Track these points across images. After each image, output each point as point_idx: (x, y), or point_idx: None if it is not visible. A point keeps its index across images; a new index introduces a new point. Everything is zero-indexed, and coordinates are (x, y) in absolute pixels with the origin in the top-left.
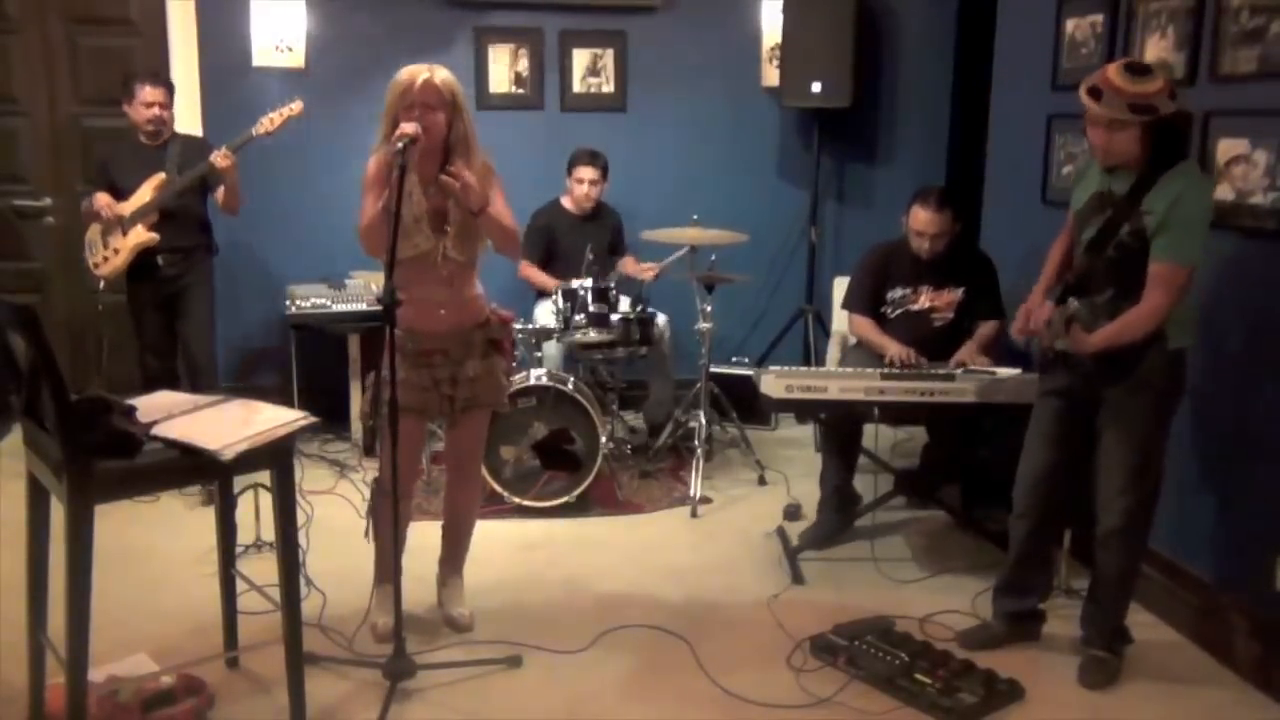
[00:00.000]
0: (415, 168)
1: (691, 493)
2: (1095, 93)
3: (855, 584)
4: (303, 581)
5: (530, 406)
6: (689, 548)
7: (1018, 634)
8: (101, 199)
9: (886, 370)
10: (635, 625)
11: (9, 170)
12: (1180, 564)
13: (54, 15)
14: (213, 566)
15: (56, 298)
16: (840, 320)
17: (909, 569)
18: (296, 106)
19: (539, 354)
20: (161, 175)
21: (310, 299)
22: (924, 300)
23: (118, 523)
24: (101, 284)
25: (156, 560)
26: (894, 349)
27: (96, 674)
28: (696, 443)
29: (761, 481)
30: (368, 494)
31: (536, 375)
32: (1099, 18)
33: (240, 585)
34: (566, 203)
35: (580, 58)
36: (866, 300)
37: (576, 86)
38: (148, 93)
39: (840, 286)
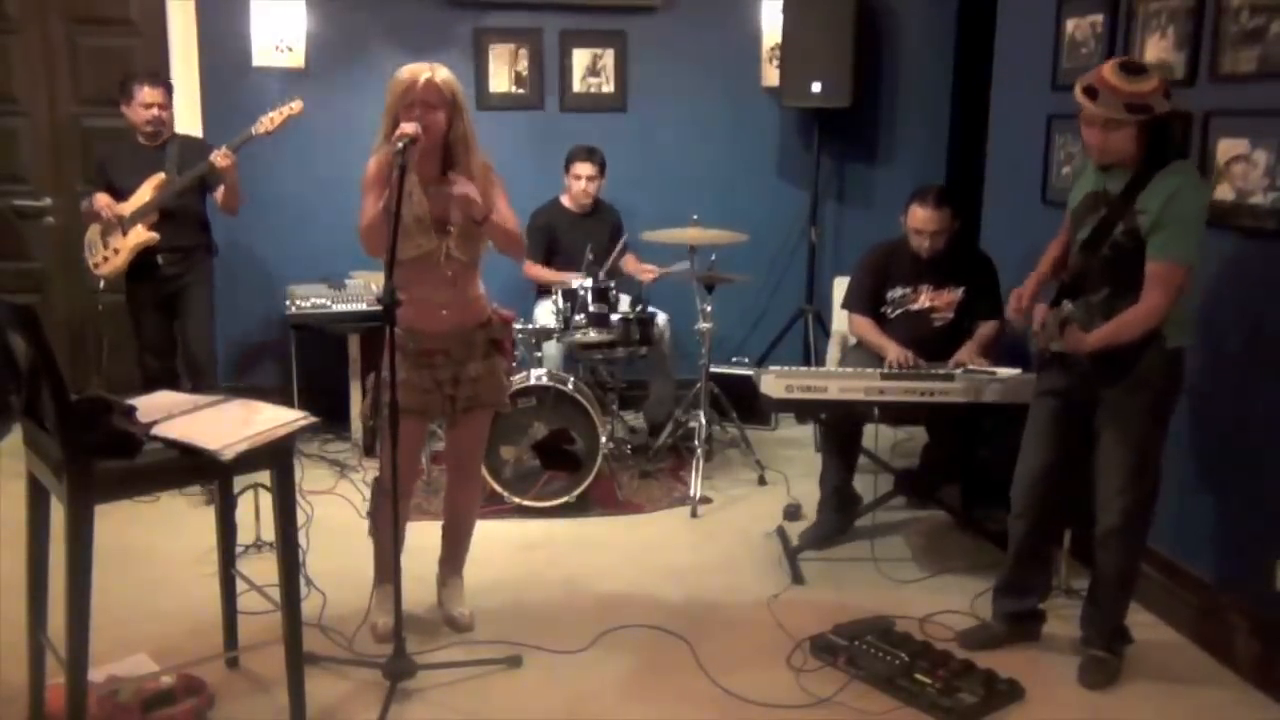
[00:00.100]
0: (415, 167)
1: (691, 493)
2: (1091, 92)
3: (855, 584)
4: (303, 581)
5: (530, 406)
6: (689, 548)
7: (1018, 634)
8: (101, 199)
9: (886, 370)
10: (635, 625)
11: (9, 170)
12: (1180, 564)
13: (54, 15)
14: (213, 566)
15: (56, 298)
16: (840, 320)
17: (909, 569)
18: (296, 105)
19: (539, 354)
20: (161, 175)
21: (310, 299)
22: (924, 300)
23: (118, 523)
24: (101, 284)
25: (156, 560)
26: (893, 351)
27: (96, 674)
28: (696, 443)
29: (761, 481)
30: (368, 494)
31: (536, 375)
32: (1099, 18)
33: (240, 585)
34: (565, 201)
35: (580, 58)
36: (866, 300)
37: (576, 86)
38: (146, 93)
39: (840, 286)
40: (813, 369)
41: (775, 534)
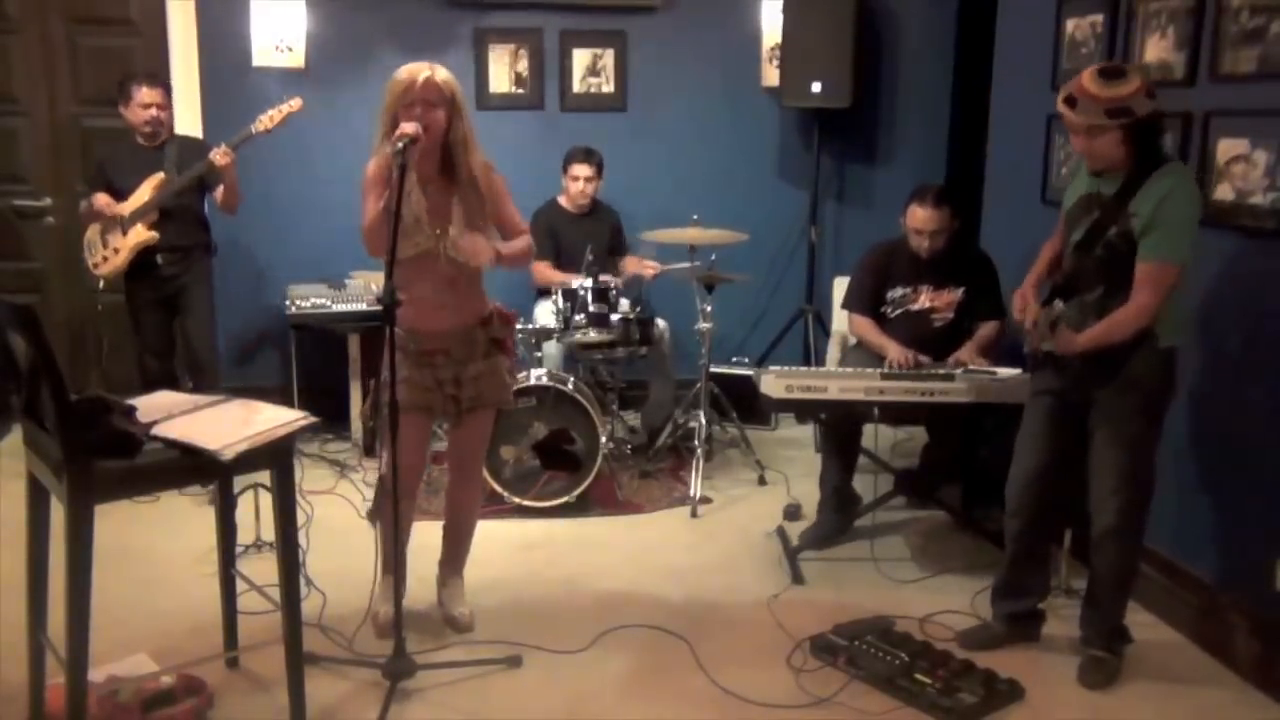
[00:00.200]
0: (414, 166)
1: (691, 493)
2: (1071, 101)
3: (855, 584)
4: (303, 581)
5: (530, 406)
6: (689, 548)
7: (1018, 634)
8: (101, 199)
9: (886, 370)
10: (635, 625)
11: (9, 170)
12: (1180, 564)
13: (54, 15)
14: (213, 566)
15: (56, 298)
16: (840, 320)
17: (909, 569)
18: (296, 103)
19: (539, 354)
20: (160, 175)
21: (310, 299)
22: (924, 300)
23: (118, 523)
24: (101, 284)
25: (156, 560)
26: (894, 351)
27: (96, 674)
28: (696, 443)
29: (761, 481)
30: (368, 494)
31: (536, 375)
32: (1099, 18)
33: (240, 585)
34: (563, 201)
35: (580, 58)
36: (866, 300)
37: (576, 86)
38: (144, 94)
39: (840, 286)
40: (813, 369)
41: (775, 534)
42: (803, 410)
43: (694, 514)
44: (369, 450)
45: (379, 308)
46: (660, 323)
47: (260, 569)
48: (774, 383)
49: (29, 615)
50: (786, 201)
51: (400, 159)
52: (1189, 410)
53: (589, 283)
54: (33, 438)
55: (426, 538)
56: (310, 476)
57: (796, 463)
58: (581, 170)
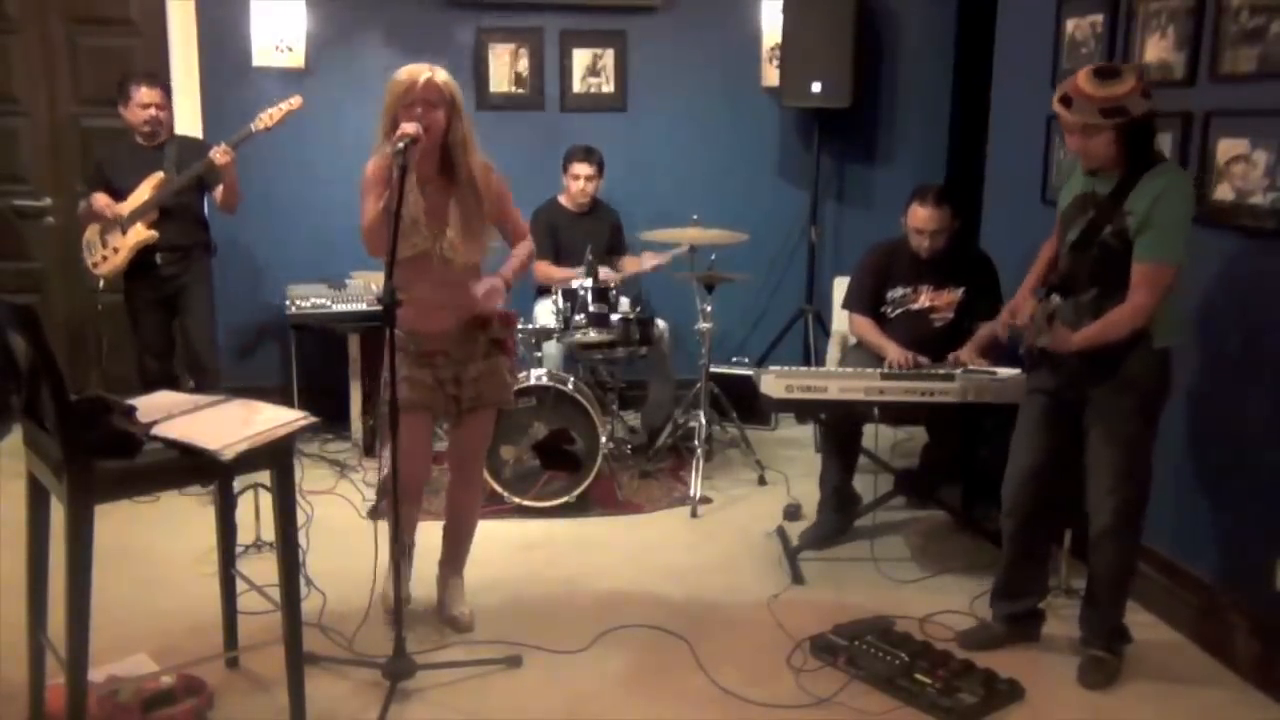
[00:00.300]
0: (414, 167)
1: (691, 493)
2: (1066, 101)
3: (855, 584)
4: (303, 581)
5: (530, 406)
6: (689, 548)
7: (1018, 634)
8: (101, 199)
9: (886, 370)
10: (635, 625)
11: (9, 170)
12: (1180, 564)
13: (54, 15)
14: (213, 566)
15: (56, 298)
16: (840, 320)
17: (909, 569)
18: (296, 101)
19: (539, 354)
20: (160, 174)
21: (310, 299)
22: (924, 300)
23: (118, 523)
24: (101, 283)
25: (156, 560)
26: (894, 352)
27: (96, 674)
28: (696, 443)
29: (761, 481)
30: (368, 494)
31: (536, 375)
32: (1099, 18)
33: (240, 585)
34: (564, 200)
35: (580, 58)
36: (866, 300)
37: (576, 86)
38: (143, 94)
39: (840, 286)
40: (813, 369)
41: (775, 534)
42: (803, 410)
43: (694, 514)
44: (369, 450)
45: (379, 308)
46: (660, 323)
47: (260, 569)
48: (774, 383)
49: (29, 615)
50: (786, 201)
51: (401, 159)
52: (1189, 410)
53: (589, 283)
54: (33, 438)
55: (427, 538)
56: (310, 476)
57: (796, 463)
58: (582, 169)
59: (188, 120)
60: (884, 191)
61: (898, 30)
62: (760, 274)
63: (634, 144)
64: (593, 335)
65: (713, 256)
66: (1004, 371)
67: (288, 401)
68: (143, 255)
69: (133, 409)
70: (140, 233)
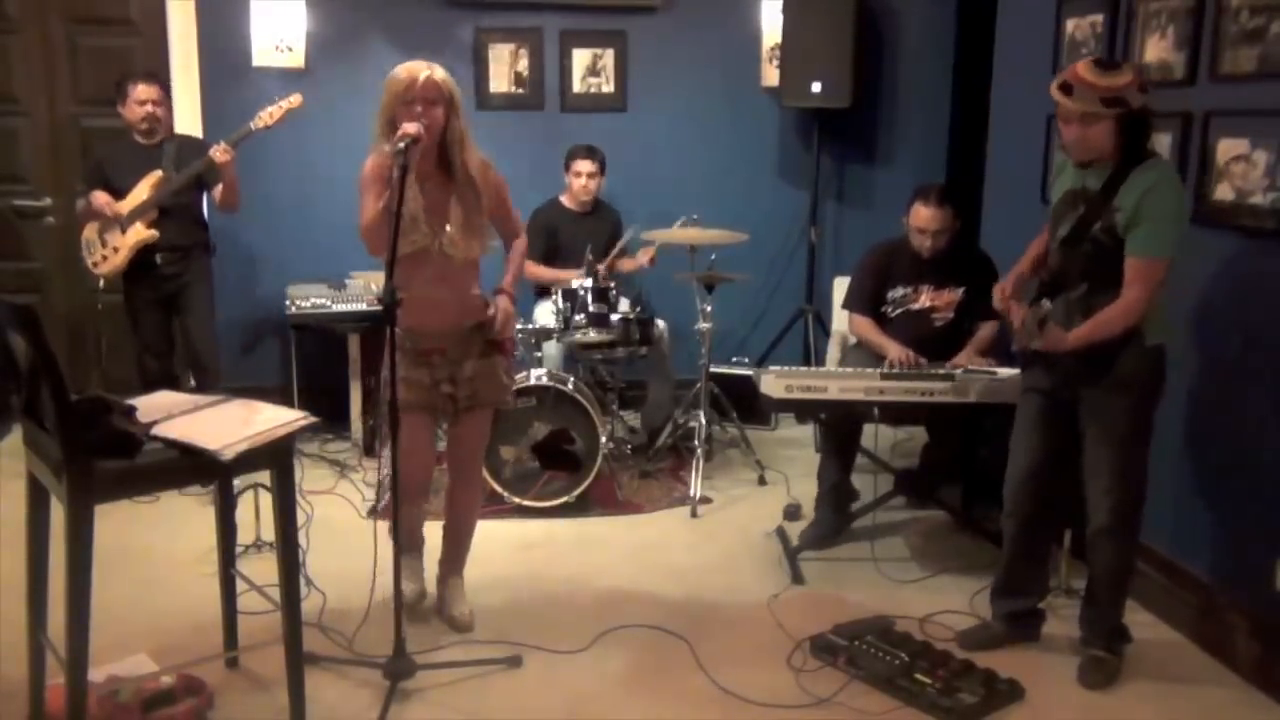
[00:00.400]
0: (413, 165)
1: (691, 493)
2: (1066, 88)
3: (855, 584)
4: (303, 581)
5: (530, 406)
6: (689, 547)
7: (1018, 634)
8: (100, 198)
9: (886, 370)
10: (635, 625)
11: (9, 170)
12: (1180, 564)
13: (54, 15)
14: (213, 566)
15: (56, 298)
16: (840, 320)
17: (909, 569)
18: (295, 99)
19: (539, 354)
20: (159, 173)
21: (310, 299)
22: (924, 299)
23: (118, 523)
24: (101, 283)
25: (156, 560)
26: (894, 350)
27: (96, 674)
28: (696, 443)
29: (761, 481)
30: (368, 494)
31: (536, 375)
32: (1099, 18)
33: (240, 585)
34: (565, 200)
35: (580, 58)
36: (867, 300)
37: (576, 86)
38: (140, 90)
39: (840, 286)
40: (813, 369)
41: (775, 534)
42: (803, 410)
43: (694, 514)
44: (369, 450)
45: (379, 307)
46: (660, 323)
47: (260, 569)
48: (774, 383)
49: (29, 615)
50: (786, 201)
51: (402, 159)
52: (1189, 409)
53: (589, 282)
54: (33, 438)
55: (427, 538)
56: (310, 476)
57: (796, 463)
58: (584, 166)
59: (188, 120)
60: (884, 191)
61: (898, 30)
62: (760, 274)
63: (634, 144)
64: (593, 335)
65: (713, 256)
66: (1004, 371)
67: (288, 401)
68: (142, 255)
69: (133, 409)
70: (140, 232)
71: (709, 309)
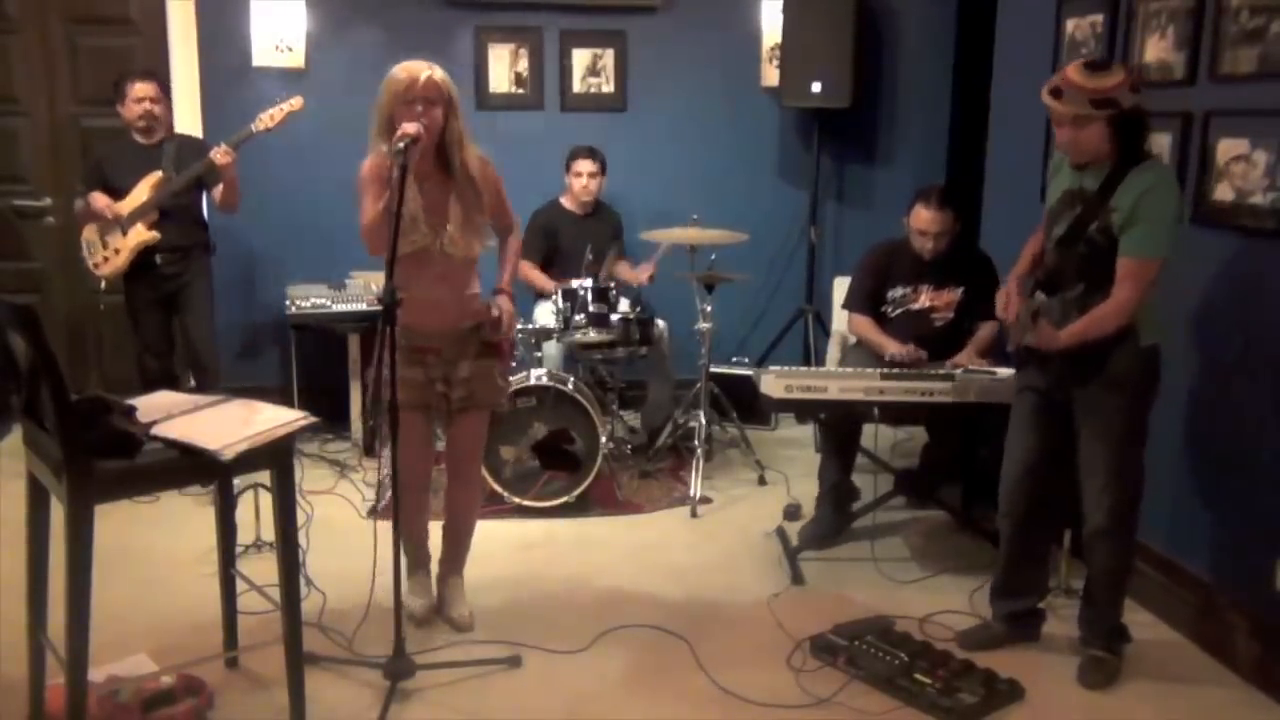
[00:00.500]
0: (412, 165)
1: (691, 493)
2: (1056, 92)
3: (855, 584)
4: (303, 581)
5: (530, 406)
6: (689, 547)
7: (1017, 634)
8: (100, 199)
9: (886, 370)
10: (635, 625)
11: (9, 170)
12: (1180, 564)
13: (54, 15)
14: (213, 566)
15: (56, 298)
16: (840, 320)
17: (909, 569)
18: (296, 102)
19: (539, 354)
20: (158, 174)
21: (310, 299)
22: (924, 299)
23: (118, 523)
24: (102, 284)
25: (156, 560)
26: (894, 346)
27: (96, 674)
28: (696, 443)
29: (761, 481)
30: (368, 494)
31: (536, 375)
32: (1099, 18)
33: (240, 585)
34: (566, 201)
35: (580, 58)
36: (866, 300)
37: (576, 86)
38: (137, 88)
39: (840, 286)
40: (813, 369)
41: (775, 534)
42: (803, 410)
43: (694, 514)
44: (369, 450)
45: (379, 307)
46: (660, 323)
47: (260, 569)
48: (774, 383)
49: (29, 615)
50: (786, 201)
51: (402, 159)
52: (1189, 409)
53: (589, 283)
54: (33, 438)
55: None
56: (310, 476)
57: (796, 463)
58: (585, 166)
59: (188, 120)
60: (884, 191)
61: (898, 30)
62: (760, 274)
63: (634, 144)
64: (593, 335)
65: (713, 256)
66: (1004, 371)
67: (288, 401)
68: (143, 256)
69: (133, 409)
70: (141, 234)
71: (709, 309)
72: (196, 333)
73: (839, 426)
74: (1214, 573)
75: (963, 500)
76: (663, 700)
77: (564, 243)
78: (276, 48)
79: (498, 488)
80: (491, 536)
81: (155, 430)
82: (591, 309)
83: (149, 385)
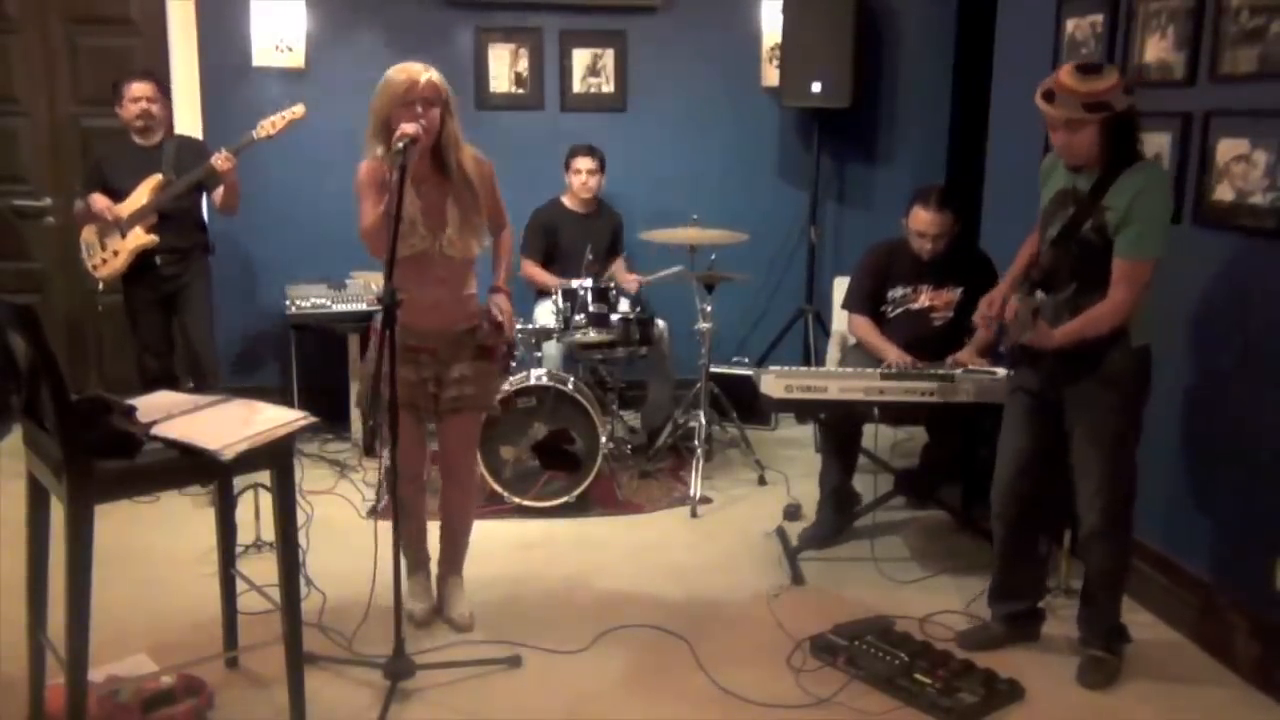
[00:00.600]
0: (411, 167)
1: (691, 493)
2: (1049, 96)
3: (855, 584)
4: (303, 581)
5: (530, 406)
6: (689, 547)
7: (1017, 634)
8: (100, 201)
9: (886, 370)
10: (635, 625)
11: (9, 170)
12: (1180, 564)
13: (54, 15)
14: (213, 566)
15: (56, 298)
16: (840, 320)
17: (909, 569)
18: (299, 110)
19: (539, 354)
20: (158, 177)
21: (310, 299)
22: (924, 299)
23: (118, 523)
24: (101, 285)
25: (156, 560)
26: (893, 354)
27: (96, 674)
28: (696, 443)
29: (761, 481)
30: (368, 494)
31: (536, 375)
32: (1099, 18)
33: (240, 585)
34: (567, 200)
35: (580, 58)
36: (866, 301)
37: (576, 86)
38: (135, 88)
39: (840, 286)
40: (813, 369)
41: (775, 534)
42: (803, 410)
43: (694, 514)
44: (369, 450)
45: (379, 308)
46: (660, 323)
47: (260, 569)
48: (774, 383)
49: (29, 615)
50: (786, 201)
51: (400, 159)
52: (1189, 409)
53: (589, 283)
54: (33, 438)
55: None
56: (310, 476)
57: (796, 463)
58: (584, 163)
59: (188, 121)
60: (884, 191)
61: (898, 30)
62: (760, 274)
63: (634, 144)
64: (593, 335)
65: (713, 256)
66: (1003, 371)
67: (288, 401)
68: (142, 258)
69: (133, 409)
70: (140, 237)
71: (709, 309)
72: (195, 333)
73: (839, 427)
74: (1214, 573)
75: (963, 500)
76: (663, 700)
77: (564, 241)
78: (276, 48)
79: (498, 488)
80: (491, 536)
81: (155, 430)
82: (591, 309)
83: (149, 385)
